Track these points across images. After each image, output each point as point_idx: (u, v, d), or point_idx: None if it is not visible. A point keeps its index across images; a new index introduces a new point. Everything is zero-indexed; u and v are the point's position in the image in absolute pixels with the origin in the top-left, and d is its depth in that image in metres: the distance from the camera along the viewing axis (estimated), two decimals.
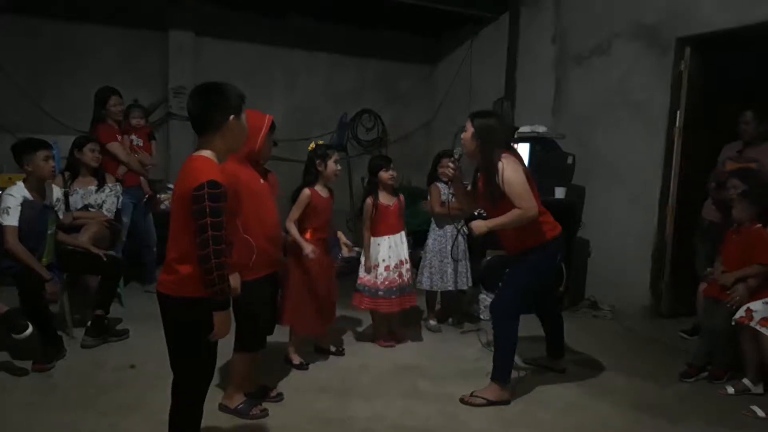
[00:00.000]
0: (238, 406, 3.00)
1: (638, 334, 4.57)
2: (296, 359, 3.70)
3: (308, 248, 3.45)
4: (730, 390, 3.46)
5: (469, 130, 3.21)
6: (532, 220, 3.12)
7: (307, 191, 3.57)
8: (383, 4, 6.07)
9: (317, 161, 3.61)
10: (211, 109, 2.15)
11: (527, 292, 3.33)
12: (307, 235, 3.59)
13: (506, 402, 3.23)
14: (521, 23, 6.22)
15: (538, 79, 5.93)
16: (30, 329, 3.26)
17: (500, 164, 3.09)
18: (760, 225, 3.63)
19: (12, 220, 3.52)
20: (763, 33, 4.23)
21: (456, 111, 7.00)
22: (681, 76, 4.72)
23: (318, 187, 3.64)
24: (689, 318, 4.51)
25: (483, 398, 3.21)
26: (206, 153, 2.14)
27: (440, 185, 4.36)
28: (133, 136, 5.05)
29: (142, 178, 4.98)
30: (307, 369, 3.67)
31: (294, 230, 3.54)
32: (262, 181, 3.00)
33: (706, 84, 4.73)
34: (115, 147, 4.75)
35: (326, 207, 3.67)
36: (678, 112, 4.77)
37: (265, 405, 3.06)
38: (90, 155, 4.31)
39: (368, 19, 7.04)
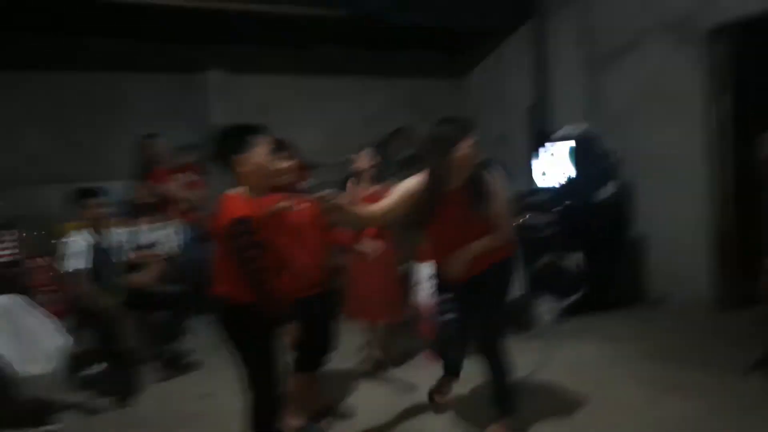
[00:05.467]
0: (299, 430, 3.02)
1: (701, 327, 4.48)
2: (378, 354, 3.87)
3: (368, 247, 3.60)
4: None
5: (473, 140, 2.79)
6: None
7: None
8: (404, 29, 6.18)
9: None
10: (219, 153, 2.37)
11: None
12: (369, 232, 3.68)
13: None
14: (548, 29, 6.23)
15: (571, 81, 5.92)
16: (101, 365, 3.41)
17: (487, 176, 2.81)
18: None
19: (79, 263, 3.68)
20: None
21: (491, 121, 7.03)
22: (715, 65, 4.68)
23: None
24: (755, 308, 4.40)
25: None
26: (238, 190, 2.34)
27: None
28: (186, 173, 5.26)
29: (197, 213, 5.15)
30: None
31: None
32: (294, 208, 2.94)
33: (741, 71, 4.67)
34: (170, 187, 4.98)
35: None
36: (716, 101, 4.72)
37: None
38: (140, 194, 4.56)
39: (392, 42, 7.16)
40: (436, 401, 3.20)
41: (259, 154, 2.34)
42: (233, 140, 2.35)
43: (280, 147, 2.99)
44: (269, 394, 2.44)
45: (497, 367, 2.86)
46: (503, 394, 2.89)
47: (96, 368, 3.43)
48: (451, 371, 3.21)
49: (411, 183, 2.81)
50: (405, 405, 3.35)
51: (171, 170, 5.24)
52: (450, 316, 3.07)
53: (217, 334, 2.44)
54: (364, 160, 3.88)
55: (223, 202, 2.31)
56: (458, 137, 2.72)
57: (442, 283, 3.04)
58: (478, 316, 2.89)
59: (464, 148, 2.71)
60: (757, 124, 4.43)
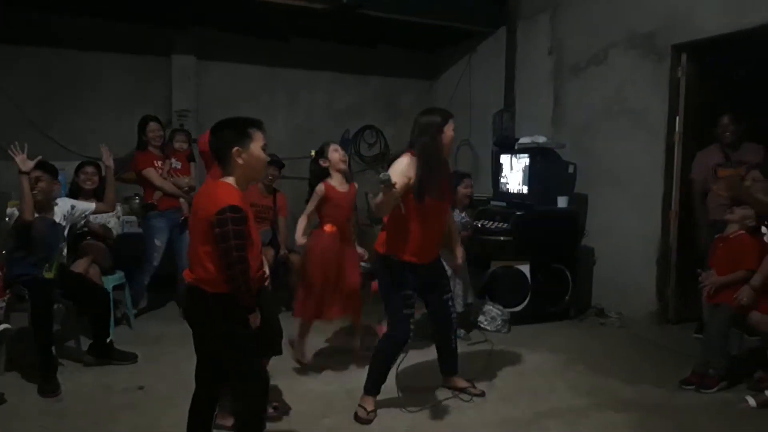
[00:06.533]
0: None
1: (646, 341, 4.55)
2: (300, 354, 3.82)
3: (299, 238, 3.69)
4: (752, 402, 3.31)
5: (454, 124, 3.25)
6: None
7: (321, 185, 3.70)
8: (381, 22, 6.17)
9: (320, 161, 3.75)
10: (216, 144, 2.38)
11: None
12: (327, 228, 3.69)
13: None
14: (518, 36, 6.28)
15: (537, 91, 5.98)
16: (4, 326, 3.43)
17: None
18: (743, 232, 3.66)
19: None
20: (758, 37, 4.25)
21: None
22: (678, 82, 4.76)
23: (334, 181, 3.71)
24: (697, 323, 4.49)
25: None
26: (228, 180, 2.35)
27: (454, 211, 4.27)
28: (173, 159, 5.17)
29: (182, 199, 5.07)
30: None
31: (300, 224, 3.72)
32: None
33: (703, 89, 4.76)
34: (149, 173, 4.91)
35: (343, 200, 3.71)
36: (677, 117, 4.79)
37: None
38: (82, 177, 4.46)
39: (366, 38, 7.13)
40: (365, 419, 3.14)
41: (257, 147, 2.37)
42: (235, 131, 2.36)
43: None
44: (259, 380, 2.43)
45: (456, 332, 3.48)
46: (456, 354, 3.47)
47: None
48: (378, 390, 3.18)
49: (402, 165, 3.00)
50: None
51: (160, 155, 5.09)
52: (407, 312, 3.08)
53: (185, 323, 2.46)
54: (336, 156, 3.74)
55: (214, 189, 2.33)
56: (444, 122, 3.10)
57: (402, 276, 3.08)
58: (445, 292, 3.34)
59: (449, 130, 3.11)
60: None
